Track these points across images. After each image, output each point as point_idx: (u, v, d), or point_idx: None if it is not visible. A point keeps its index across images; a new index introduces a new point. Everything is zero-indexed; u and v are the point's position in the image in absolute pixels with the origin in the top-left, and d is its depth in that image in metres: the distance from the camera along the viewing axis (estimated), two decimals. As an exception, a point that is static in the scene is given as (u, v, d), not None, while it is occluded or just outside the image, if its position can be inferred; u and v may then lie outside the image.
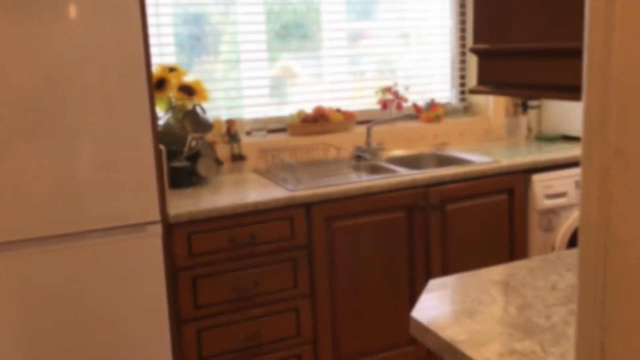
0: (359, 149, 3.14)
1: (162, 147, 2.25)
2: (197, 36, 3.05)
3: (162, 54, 2.94)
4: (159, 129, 2.60)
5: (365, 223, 2.57)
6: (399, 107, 3.34)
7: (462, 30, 3.63)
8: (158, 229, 2.19)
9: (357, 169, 2.87)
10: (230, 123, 2.94)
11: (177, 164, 2.62)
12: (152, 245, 2.19)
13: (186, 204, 2.33)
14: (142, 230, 2.17)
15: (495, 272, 1.51)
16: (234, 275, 2.36)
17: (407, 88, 3.40)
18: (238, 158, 2.91)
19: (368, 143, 3.13)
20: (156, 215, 2.18)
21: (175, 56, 2.99)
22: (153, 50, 2.90)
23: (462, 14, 3.62)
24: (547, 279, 1.45)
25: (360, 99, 3.44)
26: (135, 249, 2.17)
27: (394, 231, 2.64)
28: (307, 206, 2.45)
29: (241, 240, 2.35)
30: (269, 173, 2.83)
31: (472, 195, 2.78)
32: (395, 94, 3.33)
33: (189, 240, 2.28)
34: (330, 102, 3.32)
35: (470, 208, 2.78)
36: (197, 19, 3.03)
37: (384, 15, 3.43)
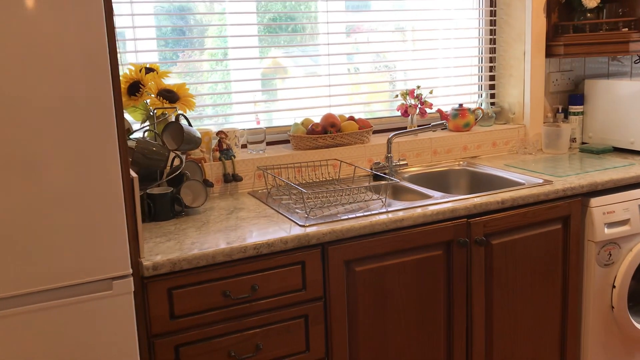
0: (376, 165, 2.60)
1: (133, 174, 1.70)
2: (180, 30, 2.49)
3: (137, 51, 2.38)
4: (132, 145, 2.04)
5: (394, 265, 2.04)
6: (422, 113, 2.80)
7: (492, 23, 3.10)
8: (129, 285, 1.64)
9: (377, 191, 2.33)
10: (221, 135, 2.39)
11: (155, 190, 2.07)
12: (122, 306, 1.64)
13: (166, 248, 1.78)
14: (108, 287, 1.62)
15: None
16: (230, 339, 1.82)
17: (431, 91, 2.86)
18: (232, 179, 2.36)
19: (388, 158, 2.59)
20: (126, 267, 1.63)
21: (156, 53, 2.44)
22: (128, 46, 2.35)
23: (492, 3, 3.09)
24: None
25: (373, 104, 2.91)
26: (99, 312, 1.62)
27: (429, 274, 2.11)
28: (323, 246, 1.92)
29: (238, 294, 1.81)
30: (269, 198, 2.29)
31: (522, 226, 2.26)
32: (419, 98, 2.79)
33: (169, 298, 1.73)
34: (336, 108, 2.78)
35: (519, 241, 2.26)
36: (180, 10, 2.47)
37: (388, 6, 2.89)
